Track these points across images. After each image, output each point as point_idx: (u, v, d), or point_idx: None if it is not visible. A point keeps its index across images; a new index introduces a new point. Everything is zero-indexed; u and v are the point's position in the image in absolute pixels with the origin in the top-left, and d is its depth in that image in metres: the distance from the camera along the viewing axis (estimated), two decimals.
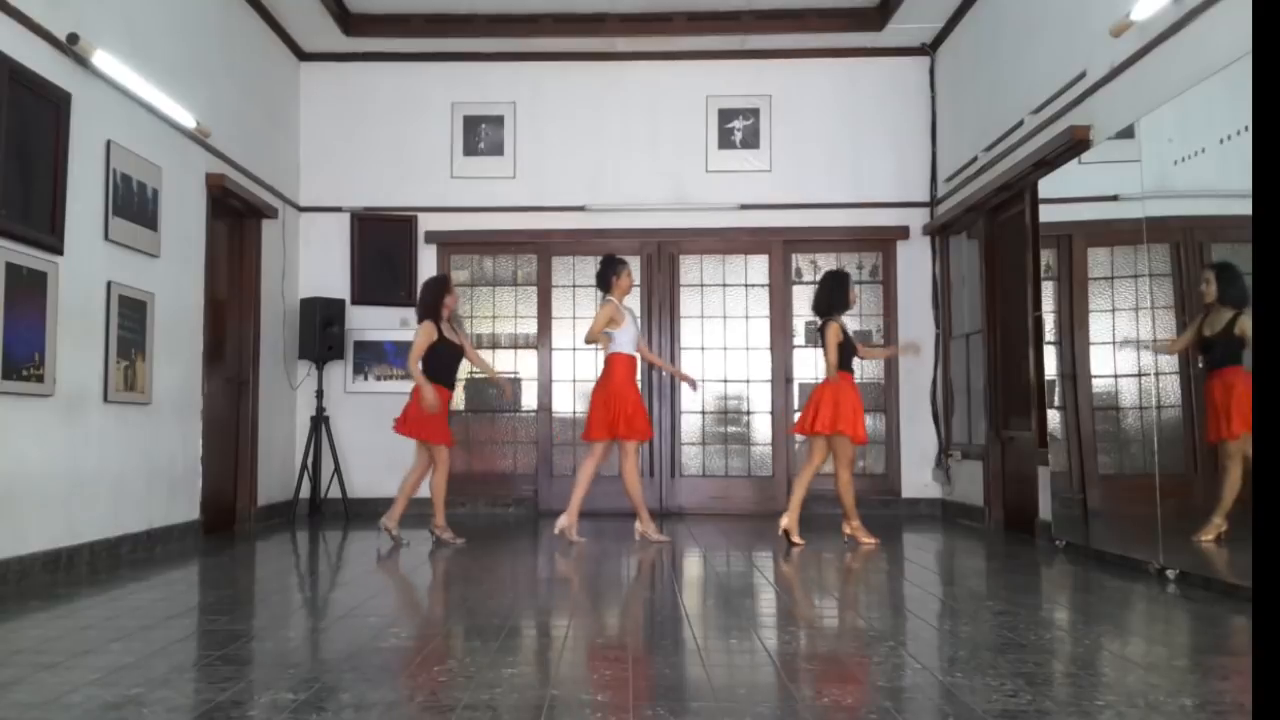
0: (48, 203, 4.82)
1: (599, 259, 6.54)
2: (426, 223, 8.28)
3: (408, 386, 8.14)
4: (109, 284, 5.35)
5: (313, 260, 8.27)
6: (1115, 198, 5.26)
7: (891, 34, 7.96)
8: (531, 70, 8.38)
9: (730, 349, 8.35)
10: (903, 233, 8.19)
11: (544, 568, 5.24)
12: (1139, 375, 5.01)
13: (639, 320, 6.46)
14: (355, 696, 2.56)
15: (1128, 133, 4.98)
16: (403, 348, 8.19)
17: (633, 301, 8.36)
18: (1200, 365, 4.90)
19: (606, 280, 6.29)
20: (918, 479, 8.13)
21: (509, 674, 2.81)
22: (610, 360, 6.18)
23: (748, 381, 8.33)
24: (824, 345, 6.04)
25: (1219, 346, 6.01)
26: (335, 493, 7.93)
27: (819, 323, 6.20)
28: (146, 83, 5.65)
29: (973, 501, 7.33)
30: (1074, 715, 2.38)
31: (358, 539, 6.52)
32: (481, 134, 8.39)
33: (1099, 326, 5.40)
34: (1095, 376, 5.47)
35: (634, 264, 8.34)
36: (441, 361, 6.16)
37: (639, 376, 6.45)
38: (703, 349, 8.34)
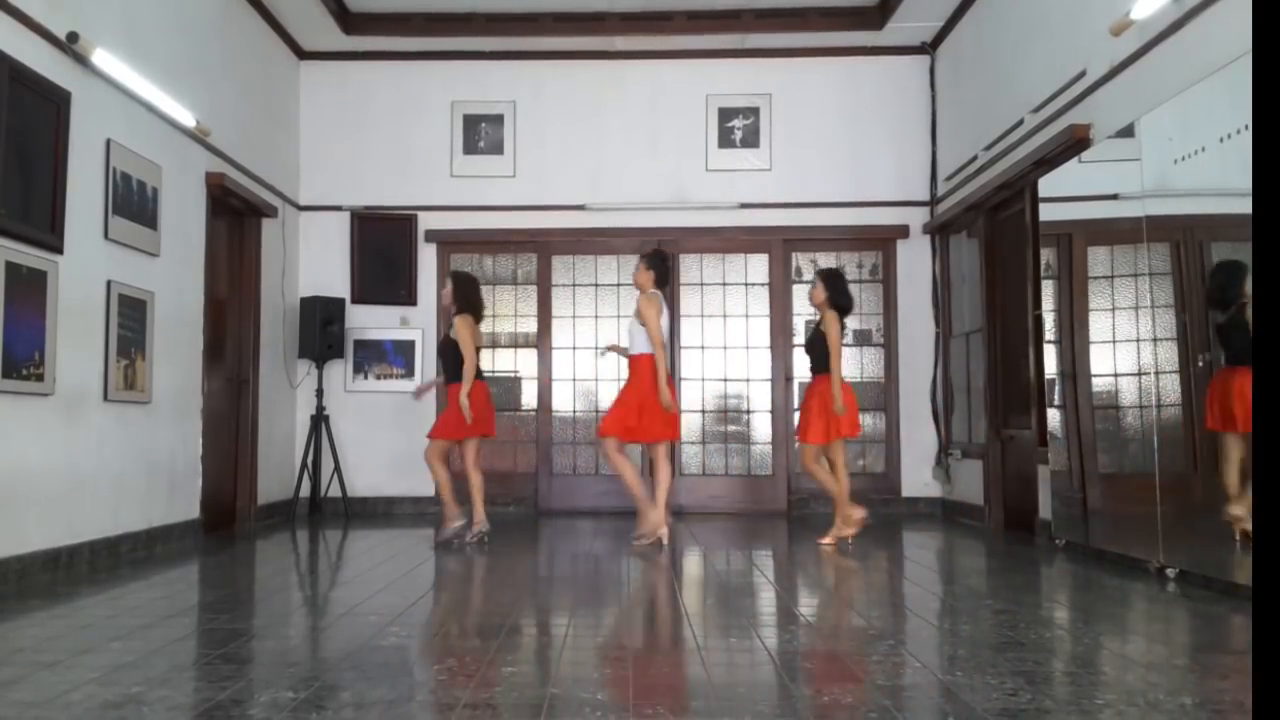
0: (47, 202, 4.82)
1: (653, 254, 6.31)
2: (426, 221, 8.28)
3: (407, 385, 8.22)
4: (109, 283, 5.35)
5: (313, 259, 8.27)
6: (1115, 196, 5.26)
7: (891, 33, 7.96)
8: (531, 69, 8.38)
9: (730, 348, 8.35)
10: (903, 231, 8.19)
11: (544, 567, 5.24)
12: (1139, 374, 5.01)
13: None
14: (355, 695, 2.56)
15: (1128, 131, 4.98)
16: (401, 347, 8.21)
17: (632, 300, 8.37)
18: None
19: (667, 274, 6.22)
20: (918, 478, 8.13)
21: (509, 673, 2.81)
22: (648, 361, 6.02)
23: (748, 380, 8.33)
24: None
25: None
26: (335, 491, 7.93)
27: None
28: (146, 81, 5.65)
29: (973, 500, 7.33)
30: (1074, 714, 2.38)
31: (358, 538, 6.52)
32: (481, 133, 8.39)
33: (1099, 325, 5.40)
34: (1095, 375, 5.47)
35: (633, 263, 8.36)
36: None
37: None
38: (703, 348, 8.34)
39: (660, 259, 6.22)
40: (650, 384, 5.94)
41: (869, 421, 8.28)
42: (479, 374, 6.09)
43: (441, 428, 6.06)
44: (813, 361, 6.09)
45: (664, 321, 6.06)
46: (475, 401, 5.98)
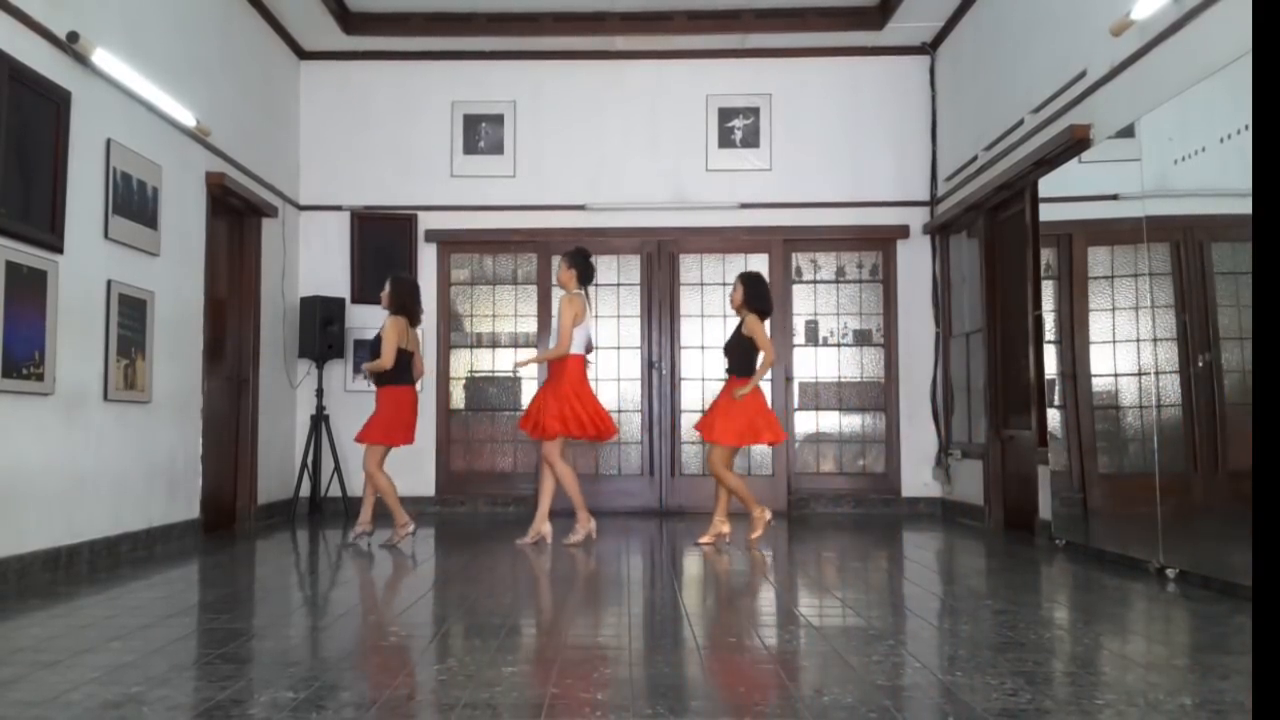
0: (48, 201, 4.82)
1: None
2: (426, 221, 8.28)
3: None
4: (109, 282, 5.35)
5: (313, 259, 8.27)
6: (1115, 197, 5.26)
7: (892, 33, 7.96)
8: (531, 69, 8.38)
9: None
10: (903, 232, 8.19)
11: (544, 567, 5.24)
12: (1139, 374, 5.01)
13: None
14: (355, 695, 2.56)
15: (1128, 132, 4.98)
16: None
17: (632, 300, 8.40)
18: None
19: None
20: (918, 478, 8.13)
21: (509, 673, 2.81)
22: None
23: None
24: None
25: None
26: (335, 491, 7.93)
27: None
28: (146, 81, 5.65)
29: (973, 501, 7.33)
30: (1074, 714, 2.38)
31: None
32: (481, 133, 8.39)
33: (1099, 325, 5.40)
34: (1095, 375, 5.47)
35: (634, 263, 8.40)
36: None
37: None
38: (703, 348, 8.33)
39: (583, 257, 6.14)
40: (573, 382, 5.89)
41: (869, 421, 8.28)
42: (405, 380, 6.03)
43: (368, 431, 5.97)
44: (730, 363, 6.05)
45: (588, 321, 5.99)
46: (402, 408, 5.97)
